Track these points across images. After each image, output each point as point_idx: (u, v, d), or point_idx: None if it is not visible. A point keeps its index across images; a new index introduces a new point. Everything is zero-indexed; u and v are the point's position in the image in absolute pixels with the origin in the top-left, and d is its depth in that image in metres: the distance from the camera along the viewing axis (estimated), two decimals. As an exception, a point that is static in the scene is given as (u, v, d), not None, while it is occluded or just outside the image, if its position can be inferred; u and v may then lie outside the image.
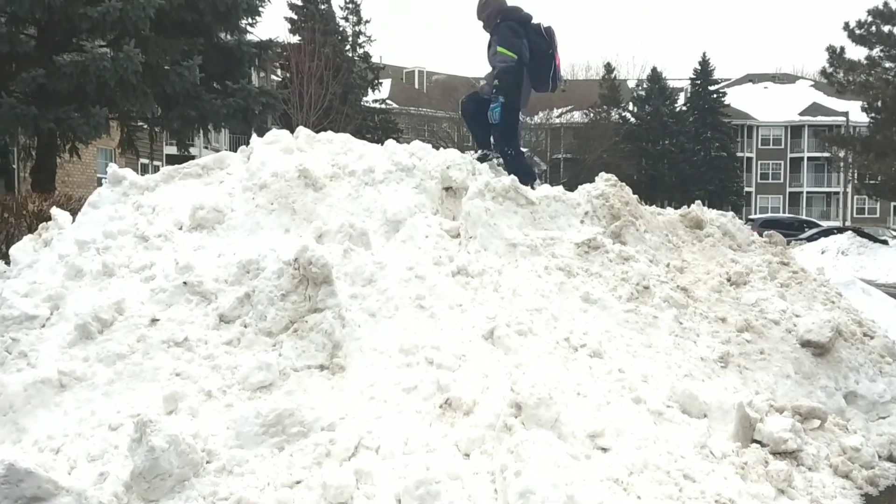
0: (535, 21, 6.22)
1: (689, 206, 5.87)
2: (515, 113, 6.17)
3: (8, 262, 5.20)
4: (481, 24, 6.31)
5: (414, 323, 4.29)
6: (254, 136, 5.83)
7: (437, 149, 5.80)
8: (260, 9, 14.47)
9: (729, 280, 5.09)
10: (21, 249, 5.14)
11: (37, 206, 10.02)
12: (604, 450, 3.62)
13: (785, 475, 3.61)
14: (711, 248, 5.42)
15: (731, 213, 5.91)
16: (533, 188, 5.60)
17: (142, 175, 5.79)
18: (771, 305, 4.88)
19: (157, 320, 4.27)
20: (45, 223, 5.47)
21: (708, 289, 5.00)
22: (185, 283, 4.44)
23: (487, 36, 6.32)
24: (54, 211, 5.42)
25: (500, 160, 6.02)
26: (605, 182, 5.44)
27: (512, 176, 5.24)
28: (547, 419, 3.54)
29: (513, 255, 4.84)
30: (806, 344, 4.64)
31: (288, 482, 3.35)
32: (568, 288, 4.66)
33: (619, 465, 3.53)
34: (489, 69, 6.23)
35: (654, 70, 59.93)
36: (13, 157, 15.99)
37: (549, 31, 6.19)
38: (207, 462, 3.43)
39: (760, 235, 6.09)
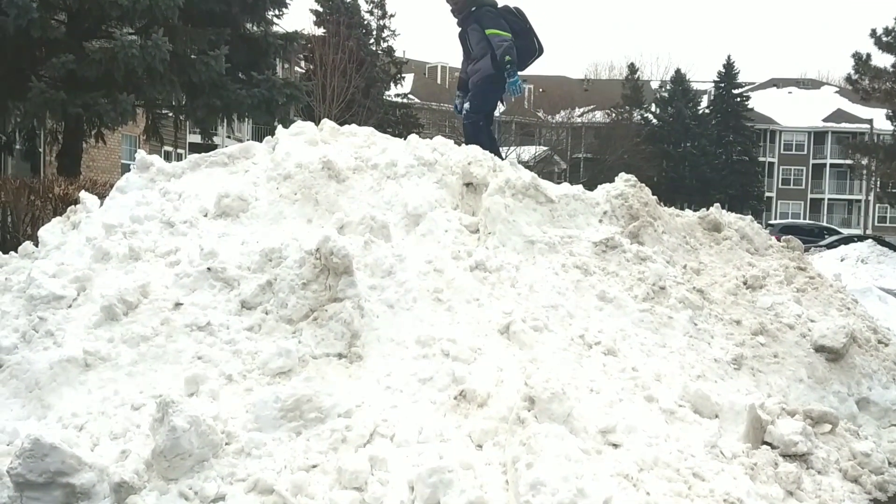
0: (501, 5, 6.67)
1: (708, 209, 5.99)
2: (497, 90, 6.63)
3: (36, 244, 5.32)
4: (451, 10, 6.65)
5: (431, 315, 4.35)
6: (279, 127, 5.91)
7: (459, 145, 5.92)
8: (286, 1, 14.58)
9: (745, 283, 5.12)
10: (49, 231, 5.25)
11: (62, 190, 10.19)
12: (615, 446, 3.67)
13: (794, 477, 3.65)
14: (729, 251, 5.46)
15: (749, 217, 5.94)
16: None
17: (166, 162, 5.90)
18: (786, 310, 4.91)
19: (181, 304, 4.36)
20: (73, 206, 5.58)
21: (724, 291, 5.04)
22: (208, 269, 4.54)
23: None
24: (83, 195, 5.53)
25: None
26: (624, 182, 5.49)
27: (532, 174, 5.30)
28: (559, 414, 3.59)
29: (531, 251, 4.89)
30: (820, 349, 4.67)
31: (304, 466, 3.43)
32: (584, 286, 4.72)
33: (630, 461, 3.57)
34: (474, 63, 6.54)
35: (677, 72, 59.71)
36: (40, 140, 16.19)
37: (519, 11, 6.64)
38: (227, 444, 3.51)
39: (779, 241, 6.12)
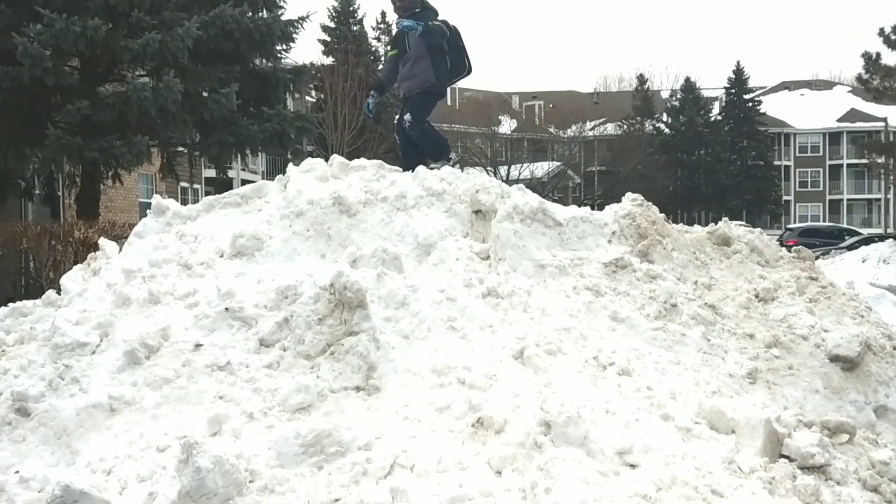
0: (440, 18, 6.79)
1: (726, 217, 6.04)
2: (436, 99, 6.84)
3: (58, 290, 5.46)
4: (395, 4, 6.72)
5: (446, 344, 4.42)
6: (290, 165, 6.05)
7: (472, 165, 6.04)
8: (294, 35, 14.80)
9: (757, 296, 5.14)
10: (71, 279, 5.39)
11: (82, 234, 10.41)
12: (632, 466, 3.70)
13: (812, 489, 3.66)
14: (739, 264, 5.48)
15: (758, 230, 5.97)
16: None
17: (183, 197, 6.04)
18: (799, 321, 4.92)
19: (201, 345, 4.47)
20: (93, 253, 5.73)
21: (736, 305, 5.06)
22: (226, 309, 4.64)
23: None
24: (102, 241, 5.67)
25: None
26: (631, 202, 5.54)
27: (539, 198, 5.38)
28: (576, 437, 3.64)
29: (541, 275, 4.96)
30: (835, 359, 4.68)
31: (327, 500, 3.49)
32: (596, 307, 4.77)
33: (648, 480, 3.60)
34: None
35: (687, 80, 59.73)
36: (58, 184, 16.48)
37: (455, 28, 6.78)
38: (250, 481, 3.59)
39: (797, 245, 6.14)
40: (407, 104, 6.75)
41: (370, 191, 5.57)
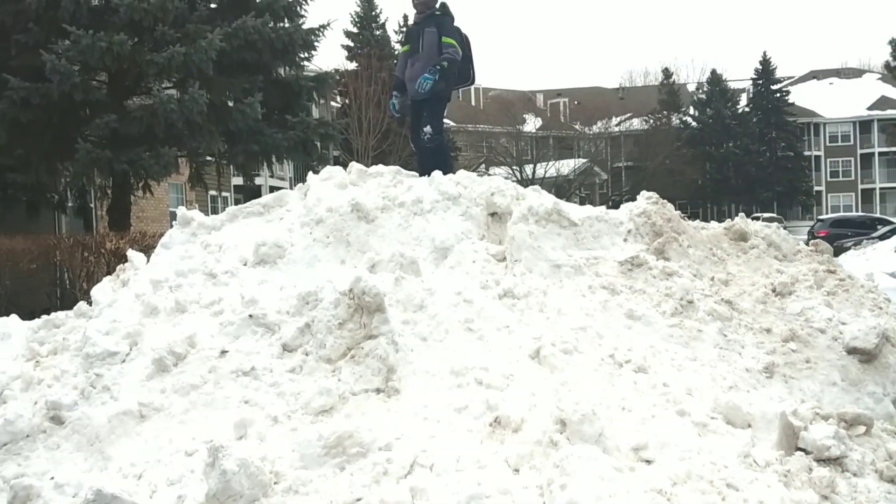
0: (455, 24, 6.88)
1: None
2: (446, 103, 6.91)
3: (90, 302, 5.63)
4: (414, 3, 6.79)
5: (463, 345, 4.51)
6: (310, 173, 6.18)
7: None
8: (315, 43, 14.99)
9: (774, 290, 5.16)
10: (101, 290, 5.55)
11: (114, 245, 10.64)
12: (648, 462, 3.75)
13: (828, 481, 3.69)
14: (757, 259, 5.50)
15: (775, 224, 5.98)
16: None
17: (213, 205, 6.20)
18: (817, 314, 4.94)
19: (226, 352, 4.59)
20: (122, 265, 5.89)
21: (753, 300, 5.09)
22: (250, 315, 4.77)
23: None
24: (130, 253, 5.84)
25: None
26: (646, 200, 5.59)
27: (553, 199, 5.44)
28: (591, 434, 3.70)
29: (557, 275, 5.02)
30: (852, 351, 4.69)
31: (349, 500, 3.58)
32: (612, 305, 4.82)
33: (663, 476, 3.65)
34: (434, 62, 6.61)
35: (713, 72, 59.24)
36: (90, 196, 16.83)
37: (467, 38, 6.89)
38: (275, 483, 3.69)
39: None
40: (422, 112, 6.76)
41: (387, 196, 5.68)
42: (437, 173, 5.90)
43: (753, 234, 5.65)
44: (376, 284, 4.48)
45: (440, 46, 6.57)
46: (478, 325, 4.62)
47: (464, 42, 6.76)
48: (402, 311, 4.65)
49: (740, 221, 5.79)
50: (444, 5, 6.74)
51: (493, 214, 5.53)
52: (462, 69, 6.81)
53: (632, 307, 4.81)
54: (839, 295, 5.19)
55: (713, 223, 5.98)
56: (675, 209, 5.80)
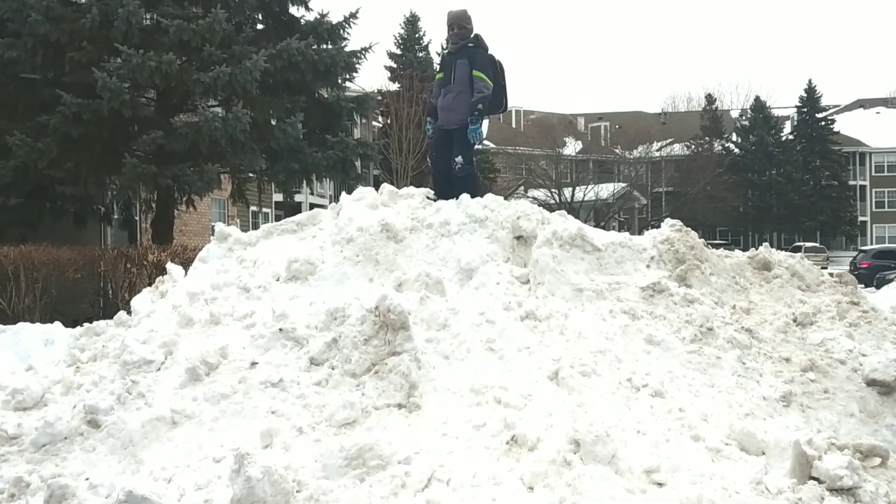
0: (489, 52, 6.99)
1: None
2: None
3: (129, 312, 5.87)
4: (451, 30, 6.90)
5: (484, 365, 4.62)
6: (343, 193, 6.38)
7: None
8: (357, 65, 15.32)
9: (795, 320, 5.20)
10: (140, 301, 5.79)
11: (155, 257, 10.95)
12: (659, 485, 3.81)
13: (839, 511, 3.73)
14: (780, 289, 5.54)
15: (799, 255, 6.01)
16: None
17: (254, 221, 6.43)
18: (837, 345, 4.96)
19: (256, 363, 4.77)
20: (161, 276, 6.13)
21: (773, 329, 5.13)
22: (280, 329, 4.94)
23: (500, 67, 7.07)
24: (169, 266, 6.08)
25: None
26: (670, 227, 5.67)
27: (578, 223, 5.56)
28: (604, 455, 3.78)
29: (579, 299, 5.12)
30: (871, 383, 4.70)
31: (367, 510, 3.72)
32: (632, 330, 4.90)
33: (674, 499, 3.70)
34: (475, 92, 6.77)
35: (757, 99, 58.77)
36: (135, 209, 17.31)
37: (501, 66, 7.01)
38: (297, 491, 3.82)
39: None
40: (451, 139, 6.88)
41: (416, 218, 5.84)
42: (464, 196, 6.04)
43: (777, 263, 5.70)
44: (401, 303, 4.63)
45: (472, 79, 6.71)
46: (499, 346, 4.74)
47: (498, 72, 6.89)
48: (426, 330, 4.79)
49: (764, 251, 5.84)
50: (477, 37, 6.88)
51: (518, 238, 5.66)
52: (495, 97, 6.92)
53: (651, 332, 4.88)
54: (861, 327, 5.20)
55: (737, 252, 6.03)
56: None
